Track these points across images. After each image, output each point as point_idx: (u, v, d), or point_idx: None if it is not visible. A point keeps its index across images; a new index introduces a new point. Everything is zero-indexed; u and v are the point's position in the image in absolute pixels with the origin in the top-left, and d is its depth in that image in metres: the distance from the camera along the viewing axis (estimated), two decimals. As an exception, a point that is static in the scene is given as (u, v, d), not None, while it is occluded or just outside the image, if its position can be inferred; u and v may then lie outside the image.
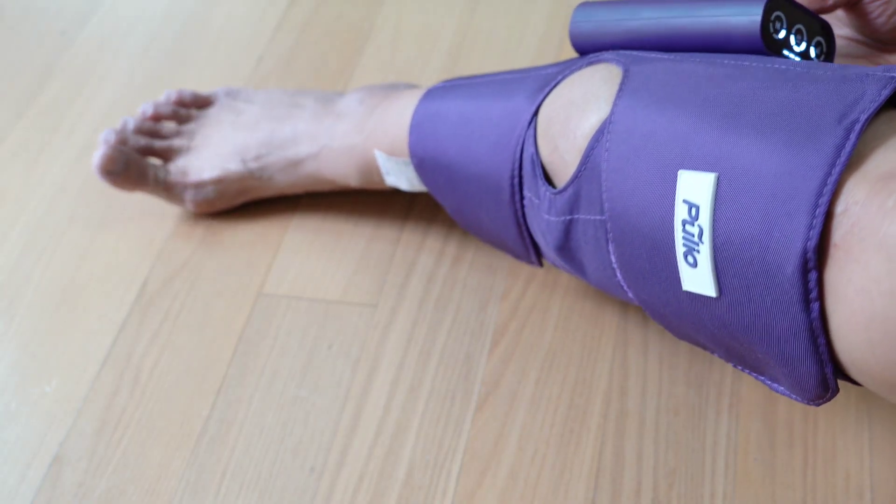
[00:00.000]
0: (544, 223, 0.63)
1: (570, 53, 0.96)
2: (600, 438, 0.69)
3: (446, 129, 0.69)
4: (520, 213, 0.67)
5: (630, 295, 0.59)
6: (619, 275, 0.58)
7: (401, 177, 0.75)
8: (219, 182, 0.81)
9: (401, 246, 0.81)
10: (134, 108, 0.94)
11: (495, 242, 0.73)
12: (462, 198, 0.71)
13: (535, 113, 0.64)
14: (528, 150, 0.63)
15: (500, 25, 1.00)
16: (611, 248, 0.57)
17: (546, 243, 0.65)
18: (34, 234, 0.84)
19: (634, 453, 0.68)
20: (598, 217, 0.58)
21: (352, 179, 0.79)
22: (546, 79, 0.65)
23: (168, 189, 0.82)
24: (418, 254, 0.81)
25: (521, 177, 0.65)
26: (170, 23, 1.03)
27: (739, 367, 0.56)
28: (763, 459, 0.68)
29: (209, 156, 0.82)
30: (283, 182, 0.82)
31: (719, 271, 0.50)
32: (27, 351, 0.76)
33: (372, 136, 0.76)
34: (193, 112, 0.84)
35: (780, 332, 0.49)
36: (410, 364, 0.74)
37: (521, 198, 0.66)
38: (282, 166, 0.81)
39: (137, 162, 0.80)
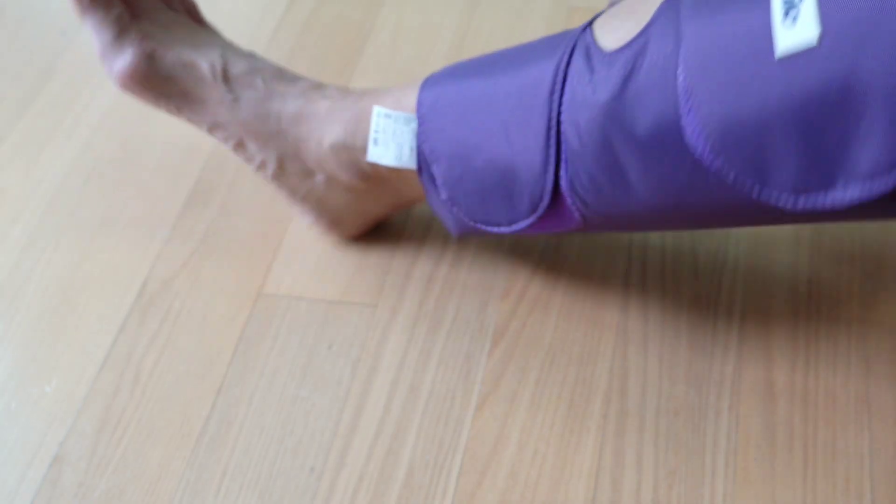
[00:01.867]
0: (598, 82, 0.62)
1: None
2: (600, 438, 0.69)
3: (474, 67, 0.70)
4: (555, 110, 0.64)
5: (690, 118, 0.58)
6: (685, 96, 0.58)
7: (391, 143, 0.72)
8: (178, 65, 0.74)
9: (401, 246, 0.81)
10: (133, 108, 0.94)
11: (498, 181, 0.68)
12: (474, 125, 0.68)
13: (588, 25, 0.66)
14: (584, 41, 0.64)
15: (500, 25, 1.00)
16: (680, 71, 0.58)
17: (592, 103, 0.62)
18: (34, 234, 0.84)
19: (634, 453, 0.68)
20: (669, 48, 0.59)
21: (329, 138, 0.73)
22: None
23: (113, 33, 0.73)
24: (418, 254, 0.81)
25: (565, 74, 0.65)
26: (170, 23, 1.03)
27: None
28: (763, 459, 0.68)
29: (183, 37, 0.75)
30: (245, 114, 0.74)
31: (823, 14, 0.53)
32: (27, 351, 0.76)
33: (366, 100, 0.73)
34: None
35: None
36: (410, 364, 0.74)
37: (561, 95, 0.64)
38: (256, 96, 0.74)
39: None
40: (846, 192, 0.55)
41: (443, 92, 0.70)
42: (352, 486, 0.67)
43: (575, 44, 0.65)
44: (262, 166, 0.77)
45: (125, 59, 0.73)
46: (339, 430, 0.70)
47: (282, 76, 0.76)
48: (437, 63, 0.97)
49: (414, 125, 0.71)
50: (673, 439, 0.69)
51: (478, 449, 0.69)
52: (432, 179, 0.71)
